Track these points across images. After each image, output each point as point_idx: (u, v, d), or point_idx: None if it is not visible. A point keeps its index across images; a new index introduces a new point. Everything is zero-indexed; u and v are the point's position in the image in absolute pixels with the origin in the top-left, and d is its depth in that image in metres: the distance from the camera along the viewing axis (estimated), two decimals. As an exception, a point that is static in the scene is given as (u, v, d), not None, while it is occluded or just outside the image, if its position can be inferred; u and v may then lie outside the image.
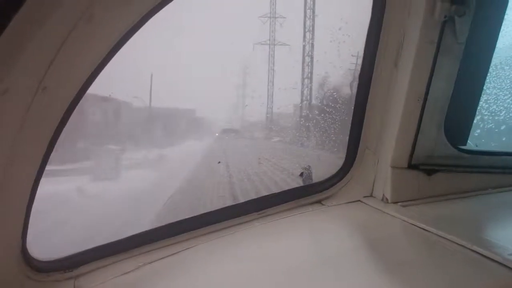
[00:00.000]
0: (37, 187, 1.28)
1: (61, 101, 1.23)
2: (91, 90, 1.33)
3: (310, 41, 10.22)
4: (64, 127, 1.27)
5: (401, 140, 2.03)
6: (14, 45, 0.99)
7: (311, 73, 9.89)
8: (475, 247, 1.44)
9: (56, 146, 1.28)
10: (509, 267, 1.30)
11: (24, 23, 0.96)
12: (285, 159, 8.05)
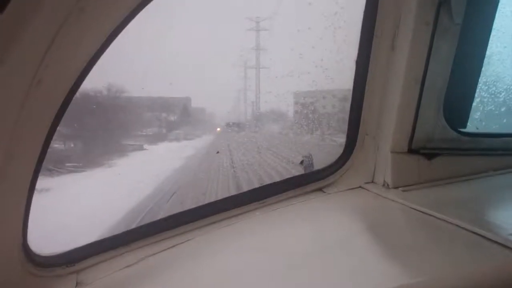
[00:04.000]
0: (35, 182, 1.28)
1: (57, 94, 1.23)
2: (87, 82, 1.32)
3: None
4: (61, 119, 1.26)
5: (400, 124, 2.02)
6: (6, 39, 0.98)
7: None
8: (476, 229, 1.43)
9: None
10: (509, 247, 1.30)
11: (15, 16, 0.95)
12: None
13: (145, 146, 11.07)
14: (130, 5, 1.29)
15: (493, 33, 2.04)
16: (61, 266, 1.46)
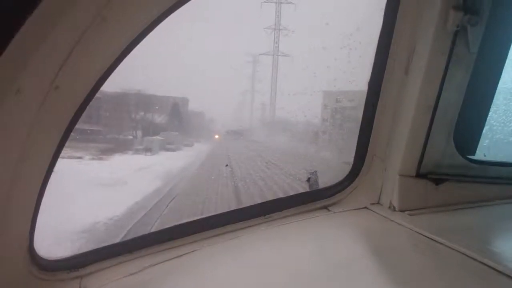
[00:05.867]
0: (46, 186, 1.29)
1: (72, 101, 1.24)
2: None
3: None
4: (75, 126, 1.27)
5: (410, 148, 2.02)
6: (27, 46, 1.00)
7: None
8: (483, 259, 1.43)
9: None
10: None
11: (38, 24, 0.97)
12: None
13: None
14: (151, 16, 1.30)
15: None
16: (65, 270, 1.46)
